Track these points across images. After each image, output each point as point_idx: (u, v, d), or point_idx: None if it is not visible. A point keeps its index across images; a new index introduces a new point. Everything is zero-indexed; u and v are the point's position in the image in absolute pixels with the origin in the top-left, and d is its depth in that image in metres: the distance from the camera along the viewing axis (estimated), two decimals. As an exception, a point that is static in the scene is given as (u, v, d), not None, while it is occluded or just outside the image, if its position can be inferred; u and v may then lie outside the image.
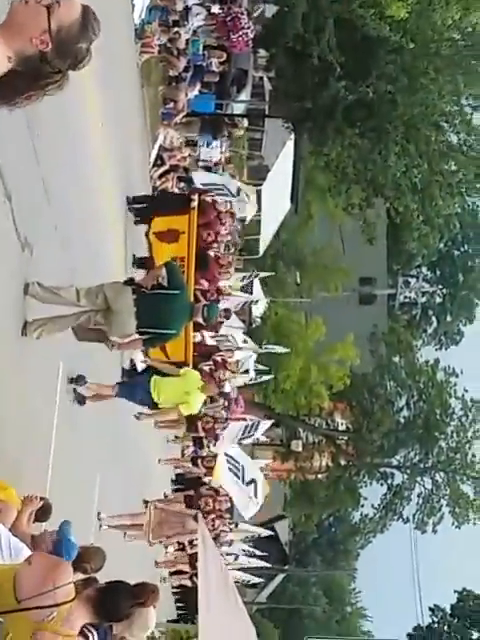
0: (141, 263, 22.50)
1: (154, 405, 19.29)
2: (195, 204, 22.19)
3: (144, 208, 22.73)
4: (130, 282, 16.60)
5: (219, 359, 27.24)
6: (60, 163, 16.63)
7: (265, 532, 34.21)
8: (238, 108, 36.57)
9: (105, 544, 17.96)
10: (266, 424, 30.50)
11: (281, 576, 62.37)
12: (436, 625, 58.48)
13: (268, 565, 37.08)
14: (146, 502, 24.69)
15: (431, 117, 39.65)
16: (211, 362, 26.43)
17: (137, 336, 16.14)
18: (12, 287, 13.81)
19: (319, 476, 58.00)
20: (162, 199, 23.48)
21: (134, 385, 20.50)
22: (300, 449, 52.79)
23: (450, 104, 40.22)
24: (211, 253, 25.33)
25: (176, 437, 32.45)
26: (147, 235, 21.72)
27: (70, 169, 17.73)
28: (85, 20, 5.25)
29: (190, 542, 24.94)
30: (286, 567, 61.12)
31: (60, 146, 16.40)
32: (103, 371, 21.07)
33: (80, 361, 17.66)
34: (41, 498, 11.85)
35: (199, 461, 28.78)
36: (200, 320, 20.86)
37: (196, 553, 23.07)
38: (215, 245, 25.62)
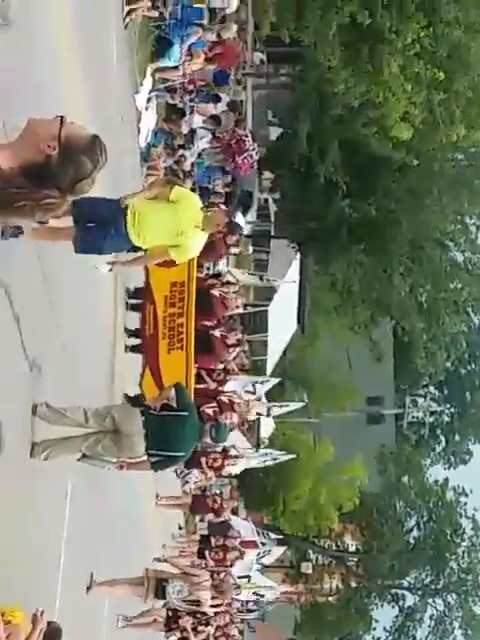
0: (135, 294, 21.38)
1: (135, 249, 13.84)
2: None
3: None
4: (137, 402, 16.64)
5: (225, 399, 25.18)
6: (68, 285, 16.74)
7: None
8: (244, 229, 36.76)
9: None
10: (279, 550, 30.21)
11: None
12: None
13: None
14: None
15: (435, 236, 39.97)
16: (215, 403, 24.66)
17: (146, 457, 16.13)
18: (20, 407, 13.82)
19: (330, 598, 57.50)
20: None
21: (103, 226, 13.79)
22: (310, 571, 52.32)
23: (454, 223, 40.53)
24: (217, 333, 25.02)
25: (181, 527, 31.57)
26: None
27: (78, 290, 17.83)
28: (94, 141, 5.37)
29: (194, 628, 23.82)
30: None
31: (68, 270, 16.51)
32: (110, 487, 21.00)
33: (88, 481, 17.58)
34: (50, 622, 11.73)
35: (206, 553, 27.94)
36: (209, 440, 20.63)
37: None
38: (221, 320, 24.98)
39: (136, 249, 13.23)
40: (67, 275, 16.29)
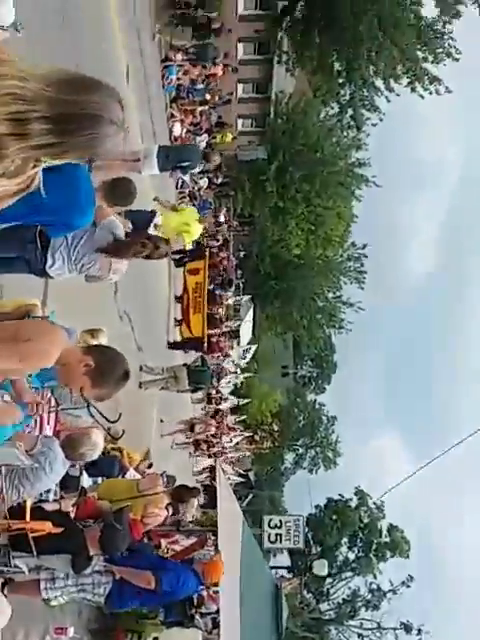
0: (178, 299, 18.37)
1: None
2: (207, 253, 18.24)
3: (182, 259, 17.31)
4: (185, 365, 15.85)
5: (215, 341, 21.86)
6: (146, 298, 16.29)
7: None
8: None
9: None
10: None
11: (251, 496, 60.93)
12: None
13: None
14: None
15: (311, 295, 39.91)
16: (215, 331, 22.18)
17: (188, 388, 15.76)
18: (134, 367, 13.46)
19: (266, 450, 57.07)
20: (190, 252, 17.69)
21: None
22: (259, 438, 51.96)
23: (319, 289, 40.45)
24: (214, 310, 22.18)
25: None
26: (184, 273, 17.12)
27: (150, 299, 17.32)
28: None
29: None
30: (253, 490, 59.59)
31: (147, 295, 16.00)
32: (179, 409, 19.93)
33: (166, 404, 17.05)
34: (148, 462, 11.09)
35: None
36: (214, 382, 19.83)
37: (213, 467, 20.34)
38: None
39: None
40: (145, 294, 15.74)
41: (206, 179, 23.37)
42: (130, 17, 13.12)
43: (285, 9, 30.14)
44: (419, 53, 27.55)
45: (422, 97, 28.32)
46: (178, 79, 18.03)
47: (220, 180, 27.25)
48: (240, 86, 34.68)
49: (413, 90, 28.41)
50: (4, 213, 3.78)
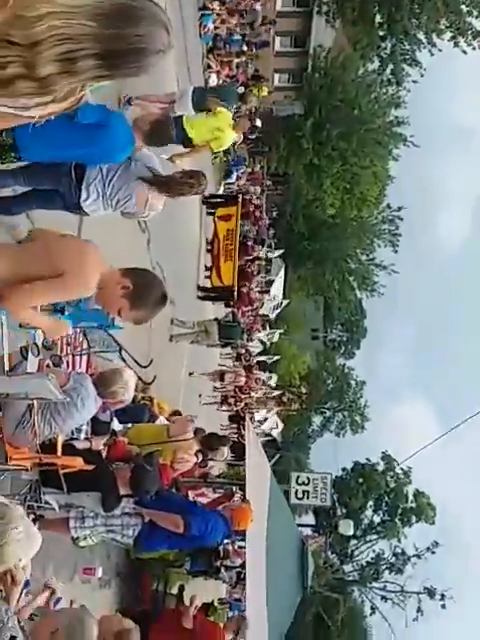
0: (208, 249, 17.64)
1: (188, 142, 8.73)
2: (240, 200, 17.49)
3: (213, 204, 17.17)
4: (216, 320, 15.97)
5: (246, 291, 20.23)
6: (178, 249, 16.17)
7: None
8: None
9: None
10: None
11: (277, 456, 61.21)
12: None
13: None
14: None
15: (343, 257, 39.54)
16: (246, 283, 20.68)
17: (218, 342, 15.73)
18: (165, 320, 13.47)
19: (294, 412, 57.00)
20: (223, 197, 17.81)
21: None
22: (287, 400, 51.86)
23: (353, 250, 40.00)
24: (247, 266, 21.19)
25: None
26: (214, 219, 16.45)
27: (183, 248, 16.60)
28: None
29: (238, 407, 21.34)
30: (279, 451, 59.93)
31: (179, 243, 15.86)
32: (208, 363, 19.93)
33: (196, 357, 17.07)
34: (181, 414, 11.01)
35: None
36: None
37: (242, 420, 19.84)
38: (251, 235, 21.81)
39: (186, 143, 8.73)
40: (177, 247, 15.12)
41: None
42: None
43: (326, -42, 29.39)
44: (463, 6, 26.86)
45: (465, 52, 27.70)
46: (216, 28, 17.66)
47: (254, 135, 26.83)
48: (278, 39, 33.89)
49: (456, 45, 27.78)
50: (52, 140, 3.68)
